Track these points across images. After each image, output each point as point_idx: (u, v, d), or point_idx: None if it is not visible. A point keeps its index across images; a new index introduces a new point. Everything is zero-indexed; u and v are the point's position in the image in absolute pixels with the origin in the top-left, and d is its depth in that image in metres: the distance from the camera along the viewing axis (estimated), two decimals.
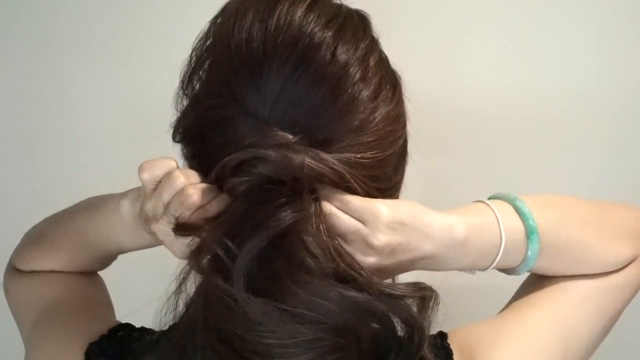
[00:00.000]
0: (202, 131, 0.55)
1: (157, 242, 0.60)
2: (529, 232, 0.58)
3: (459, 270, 0.60)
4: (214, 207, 0.52)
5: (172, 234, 0.52)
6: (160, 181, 0.53)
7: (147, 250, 0.64)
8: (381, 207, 0.53)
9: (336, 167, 0.52)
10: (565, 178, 1.06)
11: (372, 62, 0.55)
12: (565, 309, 0.61)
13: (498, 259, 0.58)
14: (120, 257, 0.72)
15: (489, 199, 0.62)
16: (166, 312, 0.52)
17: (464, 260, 0.57)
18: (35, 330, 0.65)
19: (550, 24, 1.04)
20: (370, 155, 0.54)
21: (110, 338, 0.60)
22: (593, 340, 0.62)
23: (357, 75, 0.53)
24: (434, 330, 0.55)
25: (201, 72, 0.56)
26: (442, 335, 0.58)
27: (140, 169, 0.54)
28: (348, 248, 0.52)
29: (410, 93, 0.60)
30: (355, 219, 0.53)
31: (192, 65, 0.57)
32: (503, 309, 0.64)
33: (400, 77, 0.59)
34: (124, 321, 0.63)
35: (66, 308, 0.66)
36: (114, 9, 1.10)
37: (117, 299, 0.73)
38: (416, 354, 0.50)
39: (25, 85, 1.14)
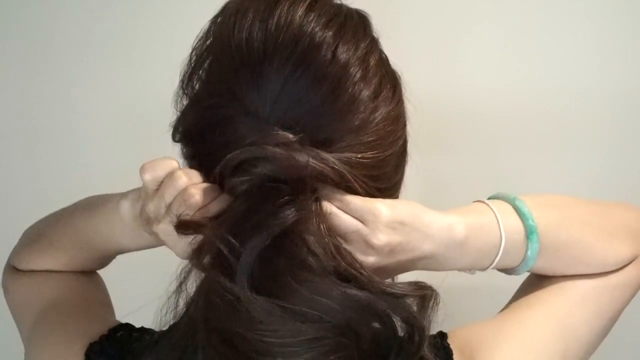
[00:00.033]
0: (202, 131, 0.55)
1: (157, 242, 0.60)
2: (529, 232, 0.58)
3: (459, 270, 0.60)
4: (216, 207, 0.52)
5: (175, 234, 0.52)
6: (162, 182, 0.53)
7: (147, 250, 0.64)
8: (381, 207, 0.53)
9: (337, 167, 0.52)
10: (565, 178, 1.06)
11: (372, 62, 0.55)
12: (565, 309, 0.61)
13: (498, 258, 0.58)
14: (119, 257, 0.72)
15: (489, 198, 0.62)
16: (166, 312, 0.51)
17: (464, 260, 0.57)
18: (35, 329, 0.65)
19: (550, 24, 1.04)
20: (370, 155, 0.54)
21: (110, 338, 0.60)
22: (593, 340, 0.62)
23: (358, 75, 0.53)
24: (433, 330, 0.55)
25: (201, 72, 0.56)
26: (442, 335, 0.58)
27: (142, 170, 0.54)
28: (348, 248, 0.52)
29: (410, 93, 0.60)
30: (356, 218, 0.53)
31: (192, 65, 0.57)
32: (503, 309, 0.64)
33: (400, 77, 0.59)
34: (123, 321, 0.63)
35: (66, 308, 0.66)
36: (114, 9, 1.10)
37: (116, 299, 0.73)
38: (416, 353, 0.50)
39: (25, 85, 1.14)
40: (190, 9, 0.87)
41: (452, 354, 0.57)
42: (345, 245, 0.52)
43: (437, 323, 0.53)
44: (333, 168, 0.51)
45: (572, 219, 0.62)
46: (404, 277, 0.56)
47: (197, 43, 0.57)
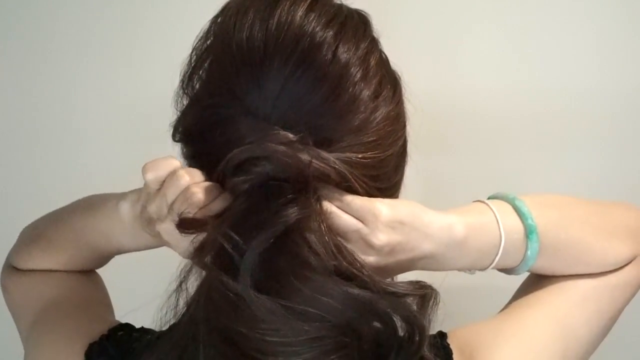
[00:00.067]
0: (203, 130, 0.55)
1: (157, 243, 0.60)
2: (529, 232, 0.58)
3: (459, 270, 0.60)
4: (217, 205, 0.52)
5: (177, 233, 0.52)
6: (164, 181, 0.53)
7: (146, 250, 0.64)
8: (381, 207, 0.53)
9: (337, 167, 0.52)
10: (565, 178, 1.06)
11: (372, 62, 0.55)
12: (565, 309, 0.61)
13: (497, 258, 0.58)
14: (119, 256, 0.72)
15: (489, 198, 0.62)
16: (166, 311, 0.51)
17: (464, 260, 0.57)
18: (35, 329, 0.65)
19: (550, 24, 1.04)
20: (370, 155, 0.54)
21: (110, 338, 0.60)
22: (593, 339, 0.62)
23: (358, 75, 0.54)
24: (433, 330, 0.55)
25: (201, 72, 0.56)
26: (442, 335, 0.58)
27: (144, 170, 0.54)
28: (349, 247, 0.52)
29: (410, 93, 0.60)
30: (356, 218, 0.53)
31: (193, 65, 0.57)
32: (503, 309, 0.64)
33: (400, 78, 0.59)
34: (123, 321, 0.63)
35: (66, 307, 0.66)
36: (114, 9, 1.10)
37: (116, 299, 0.73)
38: (416, 353, 0.50)
39: (25, 85, 1.14)
40: (190, 9, 0.87)
41: (451, 354, 0.57)
42: (346, 245, 0.52)
43: (437, 323, 0.53)
44: (334, 168, 0.51)
45: (571, 219, 0.62)
46: (404, 277, 0.56)
47: (198, 43, 0.57)
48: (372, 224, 0.53)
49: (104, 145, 1.15)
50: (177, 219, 0.52)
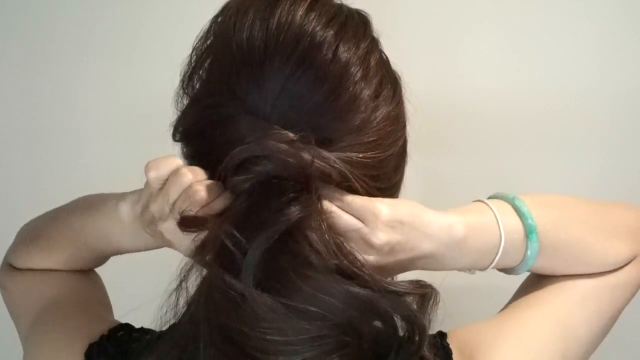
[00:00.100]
0: (203, 130, 0.55)
1: (156, 244, 0.60)
2: (528, 232, 0.58)
3: (459, 270, 0.60)
4: (219, 204, 0.52)
5: (179, 232, 0.51)
6: (166, 180, 0.53)
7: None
8: (381, 206, 0.53)
9: (338, 166, 0.52)
10: (565, 178, 1.06)
11: (373, 62, 0.55)
12: (565, 309, 0.61)
13: (497, 258, 0.58)
14: (119, 256, 0.72)
15: (488, 198, 0.62)
16: (166, 310, 0.51)
17: (464, 259, 0.57)
18: (34, 328, 0.65)
19: (550, 24, 1.04)
20: (371, 155, 0.54)
21: (110, 338, 0.60)
22: (593, 339, 0.62)
23: (358, 75, 0.54)
24: (433, 330, 0.55)
25: (201, 71, 0.56)
26: (442, 335, 0.58)
27: (147, 168, 0.54)
28: (349, 246, 0.52)
29: (410, 93, 0.60)
30: (356, 217, 0.53)
31: (193, 65, 0.57)
32: (503, 309, 0.64)
33: (400, 78, 0.59)
34: (123, 321, 0.63)
35: (66, 307, 0.66)
36: (114, 9, 1.10)
37: (116, 298, 0.73)
38: (416, 353, 0.50)
39: (25, 85, 1.14)
40: (190, 9, 0.87)
41: (451, 354, 0.57)
42: (346, 244, 0.52)
43: (437, 322, 0.53)
44: (335, 167, 0.51)
45: (571, 219, 0.62)
46: (404, 277, 0.56)
47: (198, 43, 0.57)
48: (372, 223, 0.53)
49: (104, 145, 1.15)
50: (178, 217, 0.52)
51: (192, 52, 0.57)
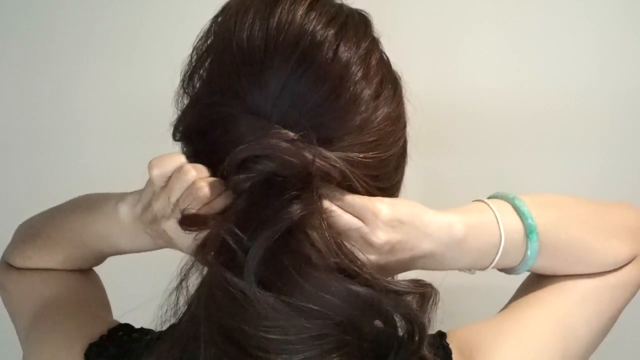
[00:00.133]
0: (203, 129, 0.55)
1: (155, 246, 0.60)
2: (528, 232, 0.58)
3: (459, 269, 0.60)
4: (220, 203, 0.52)
5: (182, 230, 0.51)
6: (170, 177, 0.53)
7: None
8: (381, 206, 0.53)
9: (339, 166, 0.52)
10: (565, 178, 1.06)
11: (373, 62, 0.55)
12: (565, 309, 0.61)
13: (497, 258, 0.58)
14: (118, 256, 0.71)
15: (488, 198, 0.62)
16: (167, 310, 0.51)
17: (464, 259, 0.57)
18: (34, 328, 0.65)
19: (550, 24, 1.04)
20: (372, 155, 0.54)
21: (110, 338, 0.60)
22: (593, 339, 0.62)
23: (359, 74, 0.54)
24: (433, 330, 0.55)
25: (202, 71, 0.56)
26: (441, 335, 0.58)
27: (150, 166, 0.53)
28: (349, 245, 0.52)
29: (410, 93, 0.60)
30: (356, 217, 0.53)
31: (193, 64, 0.57)
32: (503, 309, 0.64)
33: (400, 78, 0.59)
34: (122, 321, 0.63)
35: (67, 307, 0.65)
36: (114, 9, 1.10)
37: (115, 299, 0.73)
38: (416, 352, 0.50)
39: (25, 85, 1.14)
40: (190, 9, 0.87)
41: (451, 354, 0.57)
42: (346, 243, 0.52)
43: (437, 322, 0.53)
44: (335, 166, 0.51)
45: (571, 219, 0.62)
46: (404, 277, 0.56)
47: (198, 42, 0.57)
48: (372, 222, 0.53)
49: (104, 145, 1.15)
50: (180, 216, 0.52)
51: (192, 51, 0.57)
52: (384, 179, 0.57)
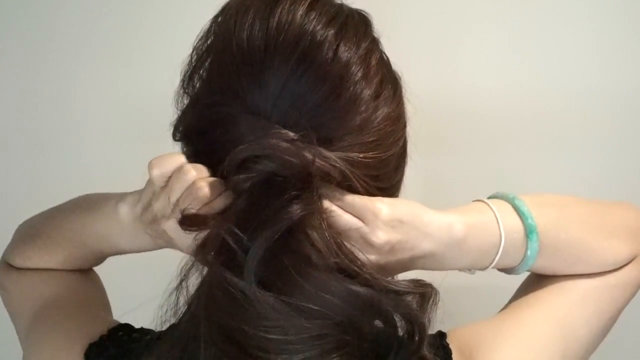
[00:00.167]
0: (203, 129, 0.55)
1: (155, 246, 0.60)
2: (528, 232, 0.58)
3: (459, 269, 0.60)
4: (220, 203, 0.52)
5: (182, 230, 0.51)
6: (169, 177, 0.53)
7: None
8: (381, 206, 0.53)
9: (339, 166, 0.52)
10: (565, 178, 1.06)
11: (373, 62, 0.55)
12: (565, 309, 0.61)
13: (497, 258, 0.58)
14: (118, 256, 0.71)
15: (488, 198, 0.62)
16: (167, 310, 0.51)
17: (464, 259, 0.57)
18: (35, 328, 0.65)
19: (550, 24, 1.04)
20: (372, 156, 0.54)
21: (110, 338, 0.60)
22: (593, 339, 0.62)
23: (359, 74, 0.54)
24: (433, 330, 0.55)
25: (202, 71, 0.56)
26: (441, 335, 0.58)
27: (150, 166, 0.53)
28: (349, 245, 0.52)
29: (410, 93, 0.60)
30: (356, 217, 0.53)
31: (193, 64, 0.57)
32: (503, 309, 0.64)
33: (400, 78, 0.59)
34: (122, 321, 0.63)
35: (67, 307, 0.65)
36: (113, 9, 1.10)
37: (115, 299, 0.73)
38: (416, 352, 0.50)
39: (25, 85, 1.14)
40: (190, 9, 0.87)
41: (451, 354, 0.57)
42: (346, 243, 0.52)
43: (437, 322, 0.53)
44: (335, 166, 0.51)
45: (571, 219, 0.62)
46: (403, 277, 0.56)
47: (198, 42, 0.57)
48: (372, 222, 0.53)
49: (104, 145, 1.15)
50: (180, 216, 0.52)
51: (192, 51, 0.57)
52: (384, 179, 0.57)
